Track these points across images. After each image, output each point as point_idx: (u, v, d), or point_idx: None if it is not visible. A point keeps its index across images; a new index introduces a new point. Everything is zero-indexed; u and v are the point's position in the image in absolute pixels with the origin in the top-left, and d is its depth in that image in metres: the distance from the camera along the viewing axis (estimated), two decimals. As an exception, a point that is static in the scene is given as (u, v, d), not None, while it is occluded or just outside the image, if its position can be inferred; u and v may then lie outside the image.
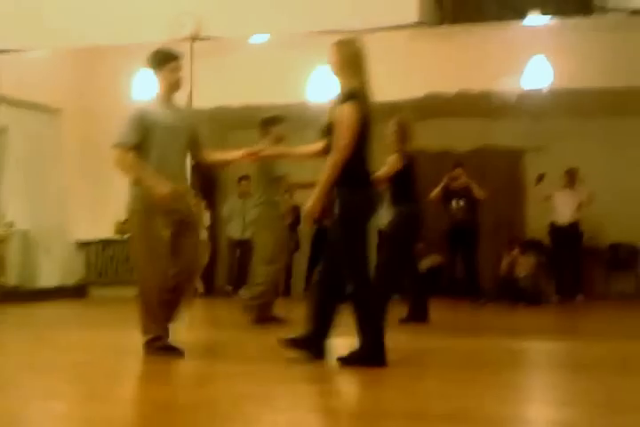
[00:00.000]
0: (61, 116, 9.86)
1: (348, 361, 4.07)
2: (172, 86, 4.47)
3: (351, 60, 4.26)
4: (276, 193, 6.17)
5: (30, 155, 9.82)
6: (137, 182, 4.34)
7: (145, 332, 4.38)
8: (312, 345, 4.21)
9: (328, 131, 4.19)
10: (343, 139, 4.03)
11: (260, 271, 6.10)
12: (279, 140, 6.24)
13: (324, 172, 4.05)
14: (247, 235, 9.69)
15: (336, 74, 4.30)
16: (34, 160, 9.82)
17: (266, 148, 5.08)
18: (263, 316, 6.06)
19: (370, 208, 4.18)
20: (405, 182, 6.09)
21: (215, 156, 4.69)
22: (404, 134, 6.16)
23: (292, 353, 4.20)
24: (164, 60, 4.44)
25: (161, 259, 4.32)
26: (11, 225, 9.80)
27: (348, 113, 4.06)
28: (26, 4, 9.70)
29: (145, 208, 4.32)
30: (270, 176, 6.08)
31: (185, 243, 4.42)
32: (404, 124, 6.25)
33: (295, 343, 4.23)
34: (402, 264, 6.20)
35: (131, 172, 4.34)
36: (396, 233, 6.08)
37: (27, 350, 4.81)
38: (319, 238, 9.67)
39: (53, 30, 9.42)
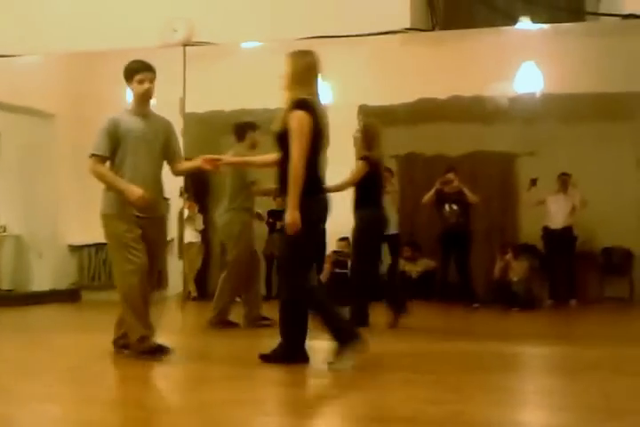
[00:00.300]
0: (55, 121, 9.87)
1: (268, 358, 4.19)
2: (141, 97, 4.62)
3: (304, 72, 4.40)
4: (248, 199, 6.22)
5: (23, 160, 9.85)
6: (109, 189, 4.52)
7: (131, 333, 4.44)
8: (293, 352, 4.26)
9: (280, 140, 4.23)
10: (297, 146, 4.09)
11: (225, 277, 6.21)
12: (254, 146, 6.31)
13: (288, 183, 4.11)
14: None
15: (286, 86, 4.41)
16: (27, 165, 9.85)
17: (225, 156, 5.11)
18: (219, 319, 6.12)
19: (321, 214, 4.28)
20: (369, 188, 6.25)
21: (183, 165, 4.80)
22: (369, 140, 6.29)
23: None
24: (132, 71, 4.61)
25: (139, 257, 4.43)
26: (4, 229, 9.84)
27: (298, 120, 4.14)
28: (19, 9, 9.72)
29: (117, 213, 4.48)
30: (242, 182, 6.12)
31: (153, 249, 4.55)
32: (369, 129, 6.32)
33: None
34: (371, 267, 6.30)
35: (103, 180, 4.51)
36: (360, 238, 6.15)
37: (20, 354, 4.82)
38: None
39: (47, 36, 9.43)
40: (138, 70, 4.59)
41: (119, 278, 4.52)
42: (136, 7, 9.32)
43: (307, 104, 4.20)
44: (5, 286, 9.60)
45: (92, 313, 8.26)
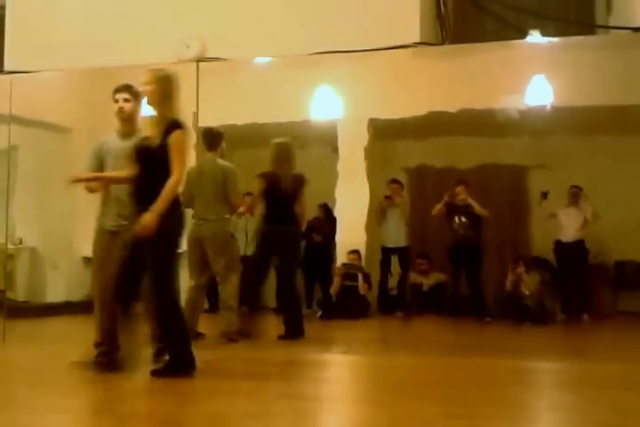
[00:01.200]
0: (71, 135, 9.98)
1: (159, 373, 4.33)
2: (117, 115, 4.97)
3: (171, 90, 4.61)
4: (227, 211, 6.32)
5: (40, 173, 9.97)
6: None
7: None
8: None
9: (147, 154, 4.50)
10: (179, 163, 4.42)
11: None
12: (224, 154, 6.54)
13: (164, 192, 4.38)
14: (249, 251, 9.76)
15: (153, 103, 4.62)
16: (43, 178, 9.96)
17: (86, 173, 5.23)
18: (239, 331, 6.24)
19: (181, 228, 4.57)
20: (267, 203, 6.52)
21: None
22: (278, 158, 6.63)
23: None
24: (114, 91, 5.05)
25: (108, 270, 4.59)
26: (20, 242, 9.95)
27: (181, 140, 4.46)
28: (36, 25, 9.86)
29: (100, 228, 4.81)
30: (223, 193, 6.23)
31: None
32: (278, 148, 6.69)
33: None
34: (256, 281, 6.54)
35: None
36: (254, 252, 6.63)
37: (35, 365, 4.88)
38: (311, 254, 9.59)
39: (63, 52, 9.55)
40: (115, 91, 5.00)
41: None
42: (150, 24, 9.42)
43: (181, 124, 4.52)
44: (21, 298, 9.67)
45: (91, 328, 8.28)
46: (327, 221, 9.33)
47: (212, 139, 6.47)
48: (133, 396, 4.03)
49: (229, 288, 6.28)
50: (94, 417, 3.40)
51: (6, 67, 9.88)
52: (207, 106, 9.31)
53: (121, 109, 4.85)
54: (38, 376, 4.44)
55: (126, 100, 4.84)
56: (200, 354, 5.67)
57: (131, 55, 9.31)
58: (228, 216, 6.37)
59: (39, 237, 10.01)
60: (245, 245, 9.79)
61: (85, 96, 9.89)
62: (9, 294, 9.18)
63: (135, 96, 4.87)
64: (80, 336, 5.40)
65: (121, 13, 9.66)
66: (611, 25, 8.53)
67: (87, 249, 9.80)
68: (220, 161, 6.38)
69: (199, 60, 9.28)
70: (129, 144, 4.73)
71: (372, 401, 3.84)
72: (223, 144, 6.51)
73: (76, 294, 9.80)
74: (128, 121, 4.90)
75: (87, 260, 9.91)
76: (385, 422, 3.33)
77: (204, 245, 6.20)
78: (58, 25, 9.74)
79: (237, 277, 6.32)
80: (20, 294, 9.72)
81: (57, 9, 9.78)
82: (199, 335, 6.19)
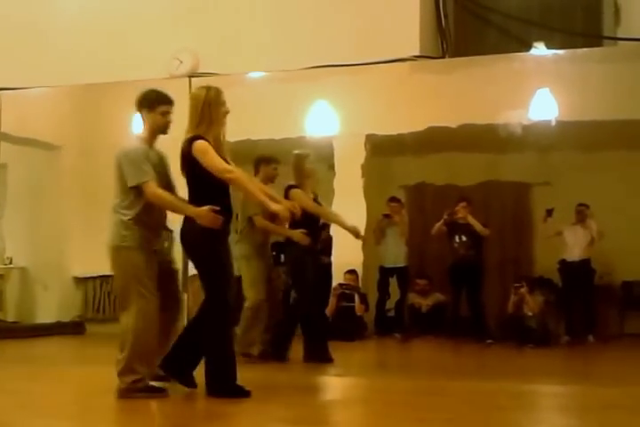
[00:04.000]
0: (61, 153, 9.86)
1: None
2: (161, 129, 4.47)
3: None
4: (253, 231, 6.28)
5: (30, 191, 9.91)
6: (175, 212, 4.36)
7: (129, 372, 4.26)
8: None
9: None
10: (219, 164, 4.27)
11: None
12: (269, 179, 6.60)
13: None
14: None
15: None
16: (33, 197, 9.88)
17: None
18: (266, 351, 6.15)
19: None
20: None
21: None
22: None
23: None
24: (154, 101, 4.45)
25: (155, 297, 4.29)
26: (10, 261, 9.92)
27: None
28: (26, 41, 9.77)
29: (137, 245, 4.30)
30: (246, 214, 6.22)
31: (167, 284, 4.44)
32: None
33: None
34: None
35: (163, 202, 4.34)
36: None
37: (23, 386, 4.77)
38: (320, 275, 9.51)
39: (53, 68, 9.47)
40: (161, 102, 4.44)
41: (134, 314, 4.27)
42: (142, 39, 9.34)
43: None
44: (11, 318, 9.68)
45: (97, 346, 8.16)
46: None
47: (254, 163, 6.62)
48: (129, 418, 3.95)
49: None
50: None
51: (-5, 84, 9.75)
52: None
53: (168, 125, 4.47)
54: (28, 398, 4.35)
55: (170, 114, 4.51)
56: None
57: (122, 71, 9.21)
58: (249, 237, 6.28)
59: (29, 257, 9.94)
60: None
61: (76, 113, 9.77)
62: (-2, 315, 9.26)
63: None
64: (71, 357, 5.30)
65: (112, 29, 9.56)
66: (618, 36, 8.38)
67: (77, 269, 9.83)
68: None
69: (192, 75, 9.17)
70: (158, 156, 4.47)
71: (367, 425, 3.78)
72: (266, 168, 6.59)
73: (67, 315, 9.69)
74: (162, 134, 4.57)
75: (77, 280, 9.85)
76: None
77: None
78: (48, 41, 9.65)
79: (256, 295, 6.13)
80: (9, 314, 9.76)
81: (47, 25, 9.71)
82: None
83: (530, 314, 8.16)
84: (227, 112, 4.58)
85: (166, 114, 4.43)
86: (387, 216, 8.99)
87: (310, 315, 6.22)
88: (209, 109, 4.40)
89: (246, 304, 6.12)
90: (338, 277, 8.69)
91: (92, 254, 9.66)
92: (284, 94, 8.85)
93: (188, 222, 4.25)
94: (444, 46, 8.83)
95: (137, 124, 9.28)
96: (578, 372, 6.29)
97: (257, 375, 5.33)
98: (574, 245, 8.54)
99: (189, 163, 4.29)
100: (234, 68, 8.93)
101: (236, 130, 8.76)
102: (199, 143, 4.27)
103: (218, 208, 4.22)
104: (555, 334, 8.22)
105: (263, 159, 6.58)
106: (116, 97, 9.51)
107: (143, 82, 9.19)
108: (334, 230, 8.93)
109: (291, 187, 6.38)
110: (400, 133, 8.60)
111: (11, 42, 9.86)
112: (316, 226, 6.40)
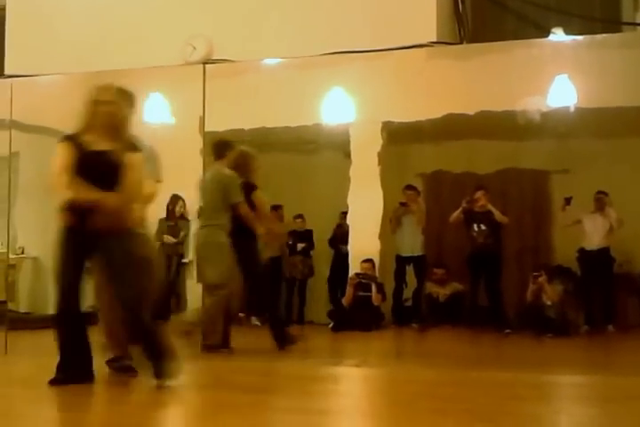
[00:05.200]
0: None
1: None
2: None
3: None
4: (224, 217, 6.18)
5: (41, 180, 9.77)
6: None
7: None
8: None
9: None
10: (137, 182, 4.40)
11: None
12: (232, 164, 6.49)
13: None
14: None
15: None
16: (45, 186, 9.78)
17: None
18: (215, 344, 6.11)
19: None
20: None
21: None
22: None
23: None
24: None
25: None
26: (22, 251, 9.87)
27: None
28: (38, 28, 9.70)
29: None
30: (224, 200, 6.17)
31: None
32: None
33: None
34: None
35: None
36: None
37: (35, 379, 4.70)
38: (338, 264, 9.47)
39: (66, 55, 9.40)
40: None
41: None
42: (155, 26, 9.28)
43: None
44: (23, 309, 9.61)
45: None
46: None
47: (217, 149, 6.49)
48: (139, 409, 3.92)
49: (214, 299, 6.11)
50: None
51: (7, 70, 9.72)
52: (214, 110, 9.09)
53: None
54: (41, 390, 4.29)
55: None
56: (209, 365, 5.55)
57: (136, 57, 9.14)
58: (225, 224, 6.15)
59: (41, 247, 9.83)
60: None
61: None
62: (10, 305, 9.12)
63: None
64: None
65: (125, 15, 9.50)
66: (638, 22, 8.23)
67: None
68: (222, 170, 6.30)
69: (206, 61, 9.08)
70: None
71: (385, 416, 3.72)
72: (231, 154, 6.43)
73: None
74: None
75: (89, 270, 9.84)
76: None
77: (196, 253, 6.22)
78: (59, 27, 9.59)
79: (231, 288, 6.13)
80: (21, 304, 9.67)
81: (58, 11, 9.64)
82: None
83: (549, 303, 8.11)
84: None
85: None
86: (403, 204, 8.92)
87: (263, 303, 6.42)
88: None
89: (216, 294, 6.07)
90: (355, 267, 8.63)
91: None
92: (300, 81, 8.76)
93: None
94: (462, 32, 8.72)
95: (147, 112, 9.30)
96: (597, 362, 6.22)
97: (275, 365, 5.35)
98: (593, 233, 8.45)
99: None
100: (249, 54, 8.85)
101: (251, 117, 8.85)
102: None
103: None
104: (574, 323, 8.14)
105: (227, 145, 6.49)
106: (129, 84, 9.45)
107: (157, 69, 9.18)
108: (351, 220, 8.89)
109: (250, 186, 6.35)
110: (417, 121, 8.49)
111: (22, 28, 9.83)
112: None
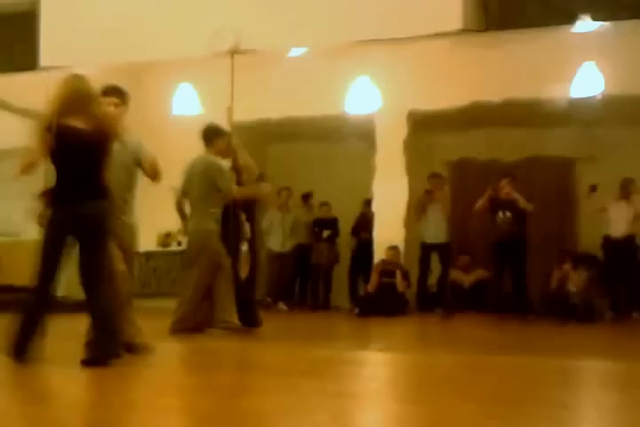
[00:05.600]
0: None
1: (90, 363, 4.27)
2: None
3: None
4: (214, 205, 6.19)
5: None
6: None
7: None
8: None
9: None
10: None
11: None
12: (223, 151, 6.46)
13: None
14: (287, 247, 9.64)
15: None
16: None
17: None
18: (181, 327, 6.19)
19: None
20: None
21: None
22: None
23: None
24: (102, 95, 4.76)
25: None
26: None
27: None
28: (70, 22, 9.84)
29: None
30: (210, 187, 6.14)
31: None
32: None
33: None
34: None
35: None
36: None
37: (71, 362, 4.69)
38: (359, 251, 9.59)
39: (97, 47, 9.53)
40: (102, 93, 4.71)
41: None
42: (184, 18, 9.35)
43: None
44: (60, 293, 9.71)
45: (143, 320, 8.26)
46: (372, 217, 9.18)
47: (206, 135, 6.35)
48: (169, 390, 3.95)
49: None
50: (130, 412, 3.30)
51: (41, 63, 9.87)
52: (241, 100, 9.17)
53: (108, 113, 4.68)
54: (74, 373, 4.33)
55: (116, 105, 4.74)
56: (233, 347, 5.66)
57: (165, 49, 9.25)
58: (213, 211, 6.18)
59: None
60: (283, 240, 9.66)
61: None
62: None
63: (124, 100, 4.80)
64: None
65: (154, 7, 9.60)
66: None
67: None
68: (208, 158, 6.21)
69: (234, 52, 9.14)
70: (117, 146, 4.62)
71: (411, 399, 3.70)
72: (220, 141, 6.33)
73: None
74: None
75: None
76: (423, 421, 3.16)
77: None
78: (92, 20, 9.72)
79: (204, 275, 6.14)
80: (58, 289, 9.77)
81: (90, 4, 9.78)
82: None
83: (573, 290, 8.10)
84: None
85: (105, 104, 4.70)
86: (428, 192, 8.95)
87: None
88: None
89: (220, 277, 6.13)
90: (380, 254, 8.70)
91: (139, 231, 9.93)
92: (326, 71, 8.82)
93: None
94: (487, 20, 8.71)
95: (176, 103, 9.38)
96: (622, 348, 6.17)
97: (301, 350, 5.38)
98: (618, 220, 8.42)
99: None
100: (275, 44, 8.92)
101: (277, 107, 8.92)
102: None
103: None
104: (599, 310, 8.11)
105: (216, 132, 6.40)
106: (159, 75, 9.60)
107: (185, 60, 9.28)
108: (376, 207, 8.94)
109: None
110: (442, 109, 8.50)
111: (55, 22, 9.97)
112: None
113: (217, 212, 6.16)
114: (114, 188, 4.58)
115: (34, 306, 4.51)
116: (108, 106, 4.67)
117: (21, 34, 10.89)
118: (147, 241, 9.68)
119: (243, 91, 9.11)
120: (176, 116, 9.41)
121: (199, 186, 6.10)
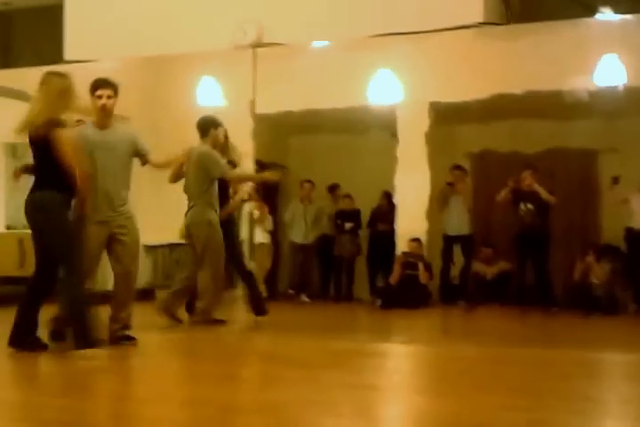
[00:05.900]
0: (129, 124, 9.99)
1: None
2: (98, 111, 4.93)
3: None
4: (212, 195, 6.21)
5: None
6: None
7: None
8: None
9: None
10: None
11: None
12: (217, 142, 6.48)
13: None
14: (310, 239, 9.69)
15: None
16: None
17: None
18: (204, 319, 6.22)
19: None
20: None
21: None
22: None
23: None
24: (92, 87, 4.96)
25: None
26: None
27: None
28: (95, 15, 9.93)
29: (79, 217, 4.78)
30: (206, 178, 6.16)
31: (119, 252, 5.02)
32: None
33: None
34: None
35: None
36: None
37: (94, 353, 4.78)
38: (376, 243, 9.60)
39: (121, 41, 9.61)
40: (97, 86, 4.93)
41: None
42: (206, 11, 9.41)
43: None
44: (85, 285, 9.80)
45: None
46: (390, 209, 9.17)
47: (201, 127, 6.36)
48: (192, 382, 4.02)
49: (203, 275, 6.18)
50: (151, 404, 3.34)
51: (66, 56, 9.96)
52: (264, 92, 9.24)
53: (104, 107, 4.90)
54: (96, 365, 4.40)
55: (109, 97, 4.91)
56: (255, 339, 5.73)
57: (188, 42, 9.31)
58: (212, 201, 6.19)
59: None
60: (305, 232, 9.71)
61: (143, 84, 9.91)
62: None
63: (116, 92, 4.95)
64: (140, 323, 5.43)
65: (178, 1, 9.68)
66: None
67: (147, 237, 9.95)
68: (200, 148, 6.21)
69: (256, 45, 9.20)
70: (110, 136, 4.92)
71: (433, 392, 3.73)
72: (214, 132, 6.32)
73: (137, 282, 9.86)
74: (108, 115, 4.97)
75: (147, 248, 10.07)
76: (446, 413, 3.19)
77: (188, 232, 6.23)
78: (115, 13, 9.80)
79: (215, 266, 6.16)
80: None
81: (113, -2, 9.83)
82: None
83: (596, 282, 8.08)
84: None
85: (99, 98, 4.91)
86: (450, 184, 8.95)
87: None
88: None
89: (209, 271, 6.14)
90: (402, 246, 8.74)
91: (161, 223, 10.00)
92: (348, 63, 8.84)
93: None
94: (509, 13, 8.68)
95: (200, 95, 9.43)
96: (645, 340, 6.13)
97: (323, 342, 5.40)
98: (641, 212, 8.40)
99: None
100: (297, 37, 8.95)
101: (299, 99, 8.96)
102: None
103: None
104: (622, 302, 8.09)
105: (212, 123, 6.37)
106: (182, 68, 9.67)
107: (208, 53, 9.33)
108: (398, 199, 8.97)
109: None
110: (464, 101, 8.49)
111: (79, 16, 10.06)
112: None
113: (216, 202, 6.19)
114: (108, 180, 4.83)
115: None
116: (104, 98, 4.88)
117: (47, 27, 11.00)
118: (170, 233, 9.79)
119: (265, 83, 9.20)
120: (199, 109, 9.48)
121: (195, 177, 6.12)
